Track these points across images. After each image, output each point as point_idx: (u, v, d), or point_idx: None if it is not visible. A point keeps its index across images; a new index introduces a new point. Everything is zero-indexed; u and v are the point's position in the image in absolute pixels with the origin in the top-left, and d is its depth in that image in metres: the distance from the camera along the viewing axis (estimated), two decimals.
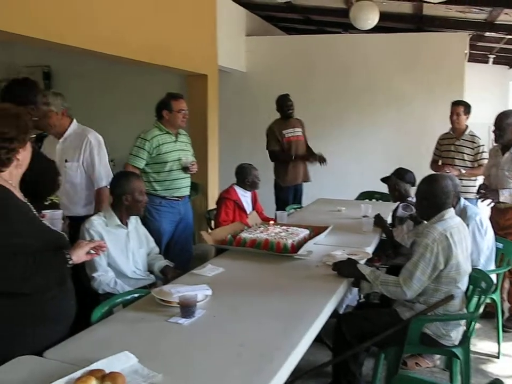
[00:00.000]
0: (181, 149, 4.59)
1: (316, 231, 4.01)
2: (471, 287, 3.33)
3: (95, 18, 4.78)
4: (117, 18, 5.05)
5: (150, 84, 7.55)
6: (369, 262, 3.70)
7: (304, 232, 3.91)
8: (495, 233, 4.25)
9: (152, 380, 1.84)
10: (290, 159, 6.17)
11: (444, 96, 7.39)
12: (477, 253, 3.95)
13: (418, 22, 8.03)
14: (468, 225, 3.85)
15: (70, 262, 2.21)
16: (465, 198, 4.36)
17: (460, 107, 5.74)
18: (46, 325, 2.21)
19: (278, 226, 4.10)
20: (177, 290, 2.57)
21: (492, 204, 4.68)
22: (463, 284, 3.10)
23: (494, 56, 10.26)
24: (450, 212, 3.14)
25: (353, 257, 3.39)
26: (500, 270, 4.15)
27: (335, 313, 3.00)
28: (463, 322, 3.12)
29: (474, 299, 3.33)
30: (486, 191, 4.61)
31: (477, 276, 3.32)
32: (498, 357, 4.13)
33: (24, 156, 2.23)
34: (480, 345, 4.32)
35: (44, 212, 2.51)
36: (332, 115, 8.16)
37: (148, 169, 4.46)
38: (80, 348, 2.15)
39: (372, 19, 4.53)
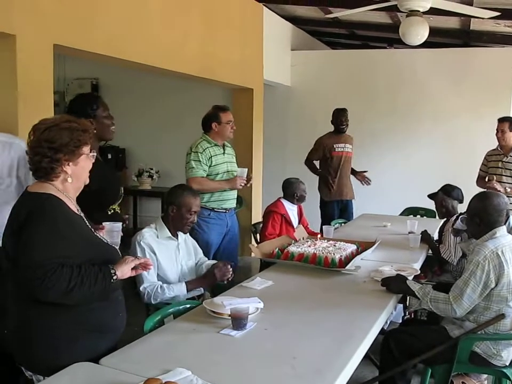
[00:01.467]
0: (229, 161, 4.66)
1: (363, 246, 4.02)
2: None
3: (147, 33, 4.92)
4: (165, 32, 5.18)
5: (196, 98, 7.69)
6: (415, 279, 3.68)
7: (352, 247, 3.92)
8: None
9: None
10: (327, 179, 6.33)
11: (491, 112, 7.29)
12: None
13: (465, 37, 7.98)
14: None
15: (114, 278, 2.19)
16: None
17: (505, 124, 5.65)
18: (88, 336, 2.22)
19: (325, 240, 4.12)
20: (229, 303, 2.62)
21: None
22: None
23: None
24: (502, 230, 3.12)
25: (401, 273, 3.39)
26: None
27: (380, 330, 3.01)
28: None
29: None
30: None
31: None
32: None
33: (76, 171, 2.25)
34: None
35: (104, 223, 2.57)
36: (377, 130, 8.14)
37: None
38: (135, 356, 2.21)
39: (422, 35, 4.53)
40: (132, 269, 2.29)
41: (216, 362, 2.18)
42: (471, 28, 7.49)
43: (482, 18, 5.13)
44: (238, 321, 2.48)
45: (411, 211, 6.63)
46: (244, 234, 6.30)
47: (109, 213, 3.22)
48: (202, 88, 7.28)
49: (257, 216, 7.12)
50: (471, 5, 6.02)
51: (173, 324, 2.65)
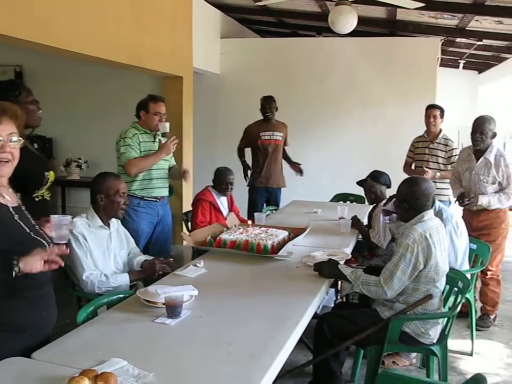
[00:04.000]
0: None
1: (294, 232, 4.05)
2: (447, 286, 3.40)
3: (71, 18, 4.76)
4: (93, 18, 5.05)
5: (125, 86, 7.54)
6: (346, 263, 3.74)
7: (284, 234, 3.94)
8: (468, 234, 4.35)
9: (144, 380, 1.84)
10: (246, 173, 6.46)
11: (417, 99, 7.55)
12: (454, 254, 4.03)
13: (391, 27, 8.17)
14: (444, 227, 3.96)
15: (16, 270, 1.95)
16: (439, 200, 4.45)
17: (437, 110, 5.83)
18: (4, 334, 2.10)
19: (257, 227, 4.12)
20: (163, 291, 2.58)
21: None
22: (441, 283, 3.16)
23: (464, 61, 10.46)
24: (430, 214, 3.21)
25: (332, 257, 3.44)
26: (475, 270, 4.25)
27: (313, 314, 3.04)
28: (441, 320, 3.18)
29: (451, 298, 3.40)
30: (469, 199, 4.66)
31: (454, 276, 3.40)
32: (471, 355, 4.23)
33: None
34: (453, 343, 4.39)
35: (52, 216, 2.37)
36: (306, 118, 8.23)
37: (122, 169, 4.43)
38: (68, 349, 2.14)
39: (351, 23, 4.60)
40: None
41: (152, 351, 2.14)
42: (397, 18, 7.67)
43: (408, 9, 5.25)
44: (172, 309, 2.44)
45: (341, 197, 6.74)
46: (175, 223, 6.21)
47: (36, 199, 3.11)
48: (132, 77, 7.14)
49: (188, 205, 7.00)
50: None
51: (107, 314, 2.59)
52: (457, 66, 10.82)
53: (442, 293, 3.31)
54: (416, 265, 3.01)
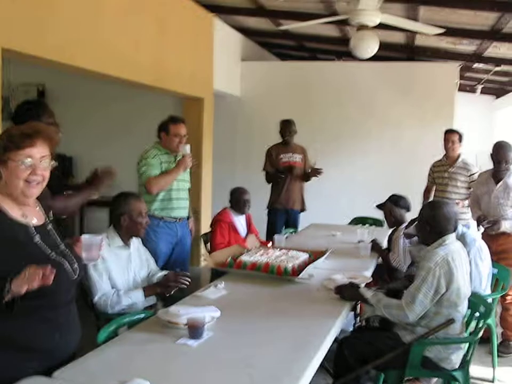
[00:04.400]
0: None
1: (315, 255, 4.05)
2: (469, 311, 3.37)
3: (100, 40, 4.87)
4: (117, 40, 5.15)
5: (145, 106, 7.62)
6: (366, 286, 3.72)
7: (304, 256, 3.94)
8: None
9: None
10: (280, 177, 6.29)
11: (435, 124, 7.56)
12: (479, 278, 4.00)
13: (410, 52, 8.21)
14: (468, 251, 3.94)
15: (6, 290, 1.89)
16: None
17: (455, 135, 5.85)
18: (8, 355, 2.06)
19: (278, 249, 4.13)
20: (185, 312, 2.59)
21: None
22: (463, 308, 3.15)
23: (482, 86, 10.45)
24: (452, 237, 3.20)
25: (353, 281, 3.43)
26: (496, 294, 4.21)
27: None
28: (463, 345, 3.15)
29: (473, 323, 3.37)
30: (490, 222, 4.65)
31: (475, 301, 3.37)
32: (493, 382, 4.18)
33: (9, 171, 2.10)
34: (474, 370, 4.34)
35: (83, 236, 2.38)
36: (325, 141, 8.25)
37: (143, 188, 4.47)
38: (90, 368, 2.15)
39: (372, 48, 4.64)
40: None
41: (173, 372, 2.15)
42: (415, 43, 7.71)
43: (427, 35, 5.28)
44: (194, 330, 2.45)
45: (359, 220, 6.73)
46: (194, 244, 6.25)
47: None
48: (152, 96, 7.22)
49: (207, 225, 7.06)
50: (416, 21, 6.23)
51: (128, 335, 2.59)
52: (475, 91, 10.80)
53: (464, 317, 3.29)
54: (438, 289, 3.00)
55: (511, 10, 5.42)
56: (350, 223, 6.69)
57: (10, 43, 3.88)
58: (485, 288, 4.11)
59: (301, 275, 3.54)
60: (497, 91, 11.32)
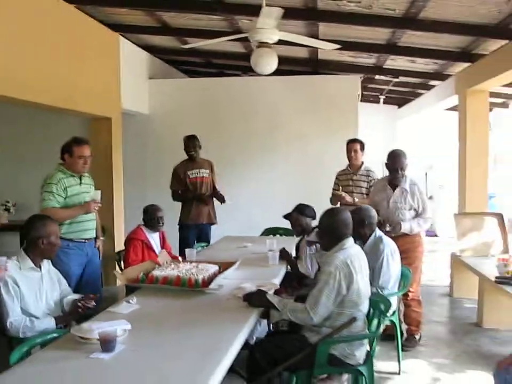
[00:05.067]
0: (86, 191, 4.60)
1: (224, 266, 4.16)
2: (371, 310, 3.59)
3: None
4: (17, 60, 5.07)
5: (54, 129, 7.53)
6: (276, 294, 3.88)
7: (214, 268, 4.05)
8: None
9: None
10: (189, 195, 6.38)
11: (340, 134, 7.87)
12: (388, 276, 4.29)
13: (314, 66, 8.55)
14: (382, 251, 4.29)
15: None
16: None
17: (357, 144, 6.15)
18: None
19: (188, 263, 4.23)
20: (97, 327, 2.64)
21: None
22: (364, 307, 3.35)
23: (384, 97, 11.01)
24: (350, 241, 3.41)
25: (261, 288, 3.57)
26: (400, 292, 4.50)
27: (246, 345, 3.15)
28: (365, 342, 3.36)
29: (375, 321, 3.59)
30: (391, 226, 4.92)
31: (376, 300, 3.59)
32: (399, 374, 4.44)
33: None
34: (382, 365, 4.61)
35: None
36: (233, 155, 8.45)
37: None
38: None
39: (271, 64, 4.82)
40: None
41: None
42: (319, 57, 8.06)
43: (326, 49, 5.57)
44: (106, 343, 2.51)
45: (270, 231, 6.91)
46: (108, 263, 6.23)
47: None
48: (61, 119, 7.15)
49: (120, 244, 7.05)
50: (317, 37, 6.54)
51: (41, 354, 2.63)
52: (378, 101, 11.37)
53: (367, 316, 3.50)
54: (339, 291, 3.19)
55: (401, 27, 5.81)
56: (261, 234, 6.85)
57: None
58: (392, 286, 4.39)
59: (210, 286, 3.65)
60: (399, 101, 11.97)
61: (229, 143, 8.46)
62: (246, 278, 4.04)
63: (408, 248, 4.94)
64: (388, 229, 4.88)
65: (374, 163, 11.82)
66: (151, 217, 5.21)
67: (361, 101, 11.10)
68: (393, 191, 5.01)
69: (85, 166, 4.51)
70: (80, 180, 4.56)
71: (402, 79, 8.96)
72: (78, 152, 4.46)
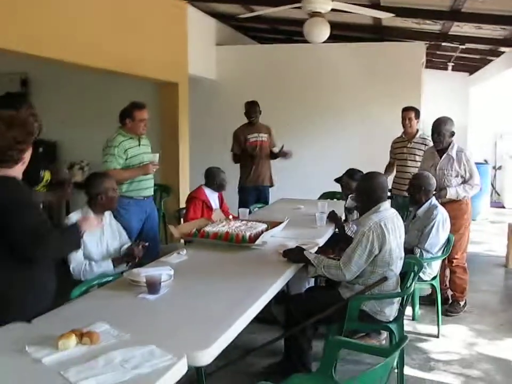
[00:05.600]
0: (144, 152, 4.96)
1: (272, 225, 4.43)
2: (407, 273, 3.77)
3: (70, 30, 5.15)
4: (90, 30, 5.43)
5: (124, 92, 7.87)
6: (324, 254, 4.08)
7: (262, 226, 4.33)
8: None
9: (121, 338, 2.24)
10: (251, 157, 6.67)
11: (402, 101, 7.79)
12: (435, 241, 4.55)
13: (379, 32, 8.53)
14: (434, 217, 4.53)
15: (82, 232, 2.87)
16: None
17: (411, 112, 6.23)
18: (34, 295, 2.66)
19: (239, 221, 4.52)
20: (144, 272, 2.99)
21: None
22: (396, 267, 3.54)
23: (452, 64, 10.80)
24: (386, 204, 3.59)
25: (303, 246, 3.82)
26: (441, 257, 4.64)
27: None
28: (396, 300, 3.56)
29: (408, 281, 3.77)
30: (436, 190, 5.02)
31: (409, 261, 3.78)
32: (438, 337, 4.61)
33: (28, 154, 2.74)
34: (424, 328, 4.80)
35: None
36: (298, 120, 8.61)
37: None
38: (62, 317, 2.56)
39: (324, 33, 4.98)
40: None
41: (132, 319, 2.55)
42: (383, 24, 8.04)
43: (381, 18, 5.61)
44: (152, 286, 2.85)
45: (328, 195, 7.09)
46: (171, 221, 6.64)
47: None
48: (131, 83, 7.52)
49: (183, 202, 7.44)
50: (378, 4, 6.58)
51: (97, 292, 3.03)
52: (446, 69, 11.17)
53: (404, 278, 3.69)
54: (372, 250, 3.40)
55: None
56: (319, 198, 7.04)
57: None
58: (437, 252, 4.58)
59: (256, 242, 3.93)
60: (469, 68, 11.69)
61: (294, 108, 8.62)
62: (292, 237, 4.30)
63: (455, 215, 5.04)
64: (434, 193, 4.99)
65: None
66: (214, 179, 5.52)
67: (429, 67, 11.00)
68: (441, 158, 5.10)
69: (145, 128, 4.85)
70: (139, 141, 4.90)
71: (470, 45, 8.78)
72: (139, 115, 4.82)
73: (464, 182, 5.08)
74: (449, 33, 7.97)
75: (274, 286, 3.13)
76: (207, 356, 2.17)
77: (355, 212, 4.63)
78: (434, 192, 4.97)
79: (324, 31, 4.90)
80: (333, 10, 5.51)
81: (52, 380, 1.89)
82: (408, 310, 5.00)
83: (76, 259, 3.65)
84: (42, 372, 1.96)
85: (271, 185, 6.89)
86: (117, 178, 4.37)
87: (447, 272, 5.34)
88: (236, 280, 3.20)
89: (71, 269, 3.63)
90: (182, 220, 5.73)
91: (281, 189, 7.27)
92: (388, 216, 3.52)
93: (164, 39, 6.95)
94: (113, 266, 3.73)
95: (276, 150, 6.86)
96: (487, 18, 6.76)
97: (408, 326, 4.85)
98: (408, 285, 3.63)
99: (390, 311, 3.53)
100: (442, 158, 5.10)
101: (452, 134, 5.08)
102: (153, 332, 2.38)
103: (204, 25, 8.43)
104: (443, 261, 5.05)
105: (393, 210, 3.65)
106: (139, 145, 4.90)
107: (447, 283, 5.38)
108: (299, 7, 5.36)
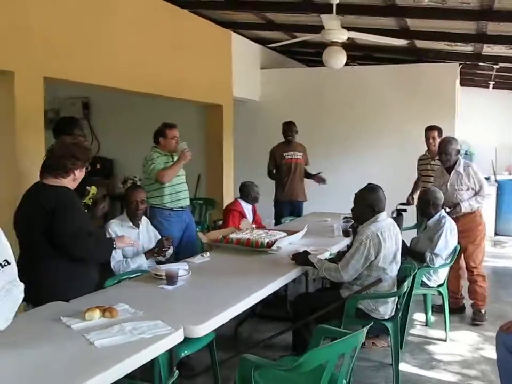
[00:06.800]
0: None
1: (291, 233, 4.94)
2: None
3: (127, 61, 5.84)
4: (140, 58, 6.09)
5: (173, 114, 8.52)
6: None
7: (282, 234, 4.85)
8: None
9: (136, 314, 2.82)
10: (280, 179, 7.29)
11: (436, 121, 8.16)
12: (443, 245, 4.95)
13: (414, 54, 8.90)
14: (443, 225, 5.00)
15: (115, 246, 3.56)
16: None
17: (435, 131, 6.61)
18: (77, 283, 3.31)
19: (262, 230, 5.06)
20: (165, 267, 3.59)
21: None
22: (391, 271, 3.98)
23: (493, 82, 10.96)
24: (383, 215, 4.05)
25: (313, 252, 4.30)
26: (447, 265, 5.04)
27: None
28: (391, 300, 3.99)
29: (405, 283, 4.17)
30: (450, 207, 5.41)
31: (407, 266, 4.21)
32: (446, 341, 4.98)
33: (80, 175, 3.37)
34: (435, 332, 5.17)
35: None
36: (338, 140, 9.06)
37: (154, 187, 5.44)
38: (93, 299, 3.12)
39: (341, 61, 5.48)
40: None
41: (148, 303, 3.12)
42: (417, 46, 8.42)
43: (398, 45, 6.01)
44: (169, 278, 3.43)
45: None
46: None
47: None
48: (179, 105, 8.18)
49: None
50: (407, 29, 7.03)
51: (125, 282, 3.66)
52: (488, 87, 11.34)
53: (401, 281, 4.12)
54: (368, 257, 3.85)
55: (478, 18, 6.09)
56: None
57: (50, 72, 4.88)
58: (446, 257, 5.01)
59: (272, 247, 4.46)
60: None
61: (335, 129, 9.07)
62: (308, 244, 4.77)
63: (470, 227, 5.44)
64: (447, 210, 5.37)
65: (489, 149, 11.88)
66: (249, 193, 6.08)
67: (471, 86, 11.21)
68: (450, 175, 5.49)
69: (176, 145, 5.46)
70: (172, 157, 5.52)
71: (504, 65, 8.98)
72: (171, 134, 5.46)
73: (475, 194, 5.45)
74: (482, 53, 8.26)
75: (275, 282, 3.65)
76: (199, 330, 2.72)
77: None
78: (450, 209, 5.36)
79: (340, 59, 5.40)
80: None
81: (77, 339, 2.47)
82: (423, 316, 5.41)
83: (116, 258, 4.27)
84: (71, 334, 2.54)
85: (304, 200, 7.40)
86: (168, 174, 5.24)
87: (462, 281, 5.67)
88: (244, 277, 3.75)
89: (111, 265, 4.25)
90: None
91: (317, 205, 7.70)
92: (385, 226, 3.98)
93: (210, 64, 7.60)
94: (146, 259, 4.35)
95: (308, 168, 7.38)
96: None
97: (420, 330, 5.28)
98: (402, 286, 4.05)
99: (385, 310, 3.96)
100: (451, 175, 5.49)
101: (458, 152, 5.50)
102: (163, 311, 2.94)
103: (248, 50, 9.05)
104: (457, 270, 5.43)
105: (390, 220, 4.11)
106: (172, 161, 5.50)
107: (462, 293, 5.71)
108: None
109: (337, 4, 5.30)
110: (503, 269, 7.98)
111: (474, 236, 5.48)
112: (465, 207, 5.42)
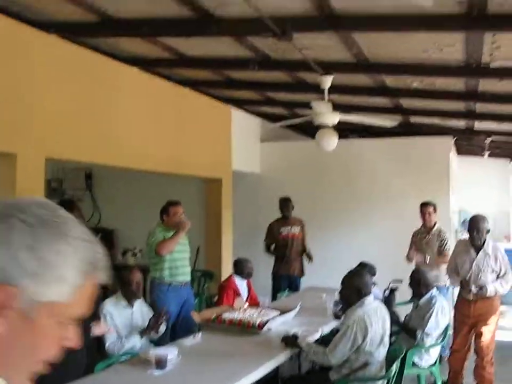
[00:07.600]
0: (182, 241, 5.72)
1: (284, 312, 5.01)
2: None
3: (125, 140, 6.03)
4: (142, 137, 6.31)
5: (172, 187, 8.74)
6: None
7: (274, 313, 4.92)
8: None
9: None
10: (277, 254, 7.47)
11: (430, 194, 8.32)
12: (434, 324, 4.97)
13: (408, 128, 9.14)
14: (433, 305, 5.04)
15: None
16: (436, 286, 5.45)
17: (430, 207, 6.76)
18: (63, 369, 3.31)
19: (255, 309, 5.14)
20: (154, 351, 3.66)
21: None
22: (379, 354, 4.04)
23: (488, 152, 11.13)
24: (370, 298, 4.13)
25: (304, 333, 4.37)
26: (437, 344, 5.07)
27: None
28: (379, 383, 4.03)
29: (393, 365, 4.21)
30: (478, 287, 5.33)
31: (395, 349, 4.26)
32: None
33: None
34: None
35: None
36: (334, 213, 9.15)
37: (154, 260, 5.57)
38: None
39: (333, 142, 5.69)
40: None
41: None
42: (411, 121, 8.67)
43: (387, 127, 6.26)
44: (158, 362, 3.50)
45: None
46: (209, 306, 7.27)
47: None
48: (179, 179, 8.37)
49: None
50: (401, 107, 7.30)
51: (115, 366, 3.74)
52: (483, 156, 11.52)
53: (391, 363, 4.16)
54: (355, 341, 3.93)
55: (467, 99, 6.35)
56: None
57: (51, 153, 5.08)
58: (436, 336, 5.04)
59: (263, 329, 4.52)
60: (510, 153, 11.93)
61: (332, 202, 9.19)
62: (299, 324, 4.84)
63: (488, 311, 5.39)
64: (474, 291, 5.34)
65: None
66: (243, 269, 6.17)
67: (467, 154, 11.41)
68: (477, 253, 5.42)
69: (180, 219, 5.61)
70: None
71: (495, 138, 9.18)
72: (174, 211, 5.68)
73: (498, 277, 5.36)
74: (474, 128, 8.48)
75: (267, 364, 3.74)
76: None
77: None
78: (477, 291, 5.32)
79: (333, 141, 5.59)
80: None
81: None
82: None
83: (110, 338, 4.35)
84: None
85: (301, 276, 7.49)
86: (168, 246, 5.42)
87: (467, 363, 5.61)
88: (234, 361, 3.82)
89: (106, 346, 4.32)
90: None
91: (314, 278, 7.74)
92: (371, 309, 4.06)
93: (209, 140, 7.82)
94: (141, 337, 4.42)
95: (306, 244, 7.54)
96: (501, 117, 7.25)
97: None
98: (390, 370, 4.09)
99: None
100: (479, 254, 5.39)
101: (488, 231, 5.46)
102: None
103: (249, 124, 9.31)
104: (465, 353, 5.53)
105: (377, 303, 4.20)
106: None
107: (463, 373, 5.63)
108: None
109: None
110: (500, 342, 7.88)
111: (493, 320, 5.39)
112: (490, 290, 5.31)
